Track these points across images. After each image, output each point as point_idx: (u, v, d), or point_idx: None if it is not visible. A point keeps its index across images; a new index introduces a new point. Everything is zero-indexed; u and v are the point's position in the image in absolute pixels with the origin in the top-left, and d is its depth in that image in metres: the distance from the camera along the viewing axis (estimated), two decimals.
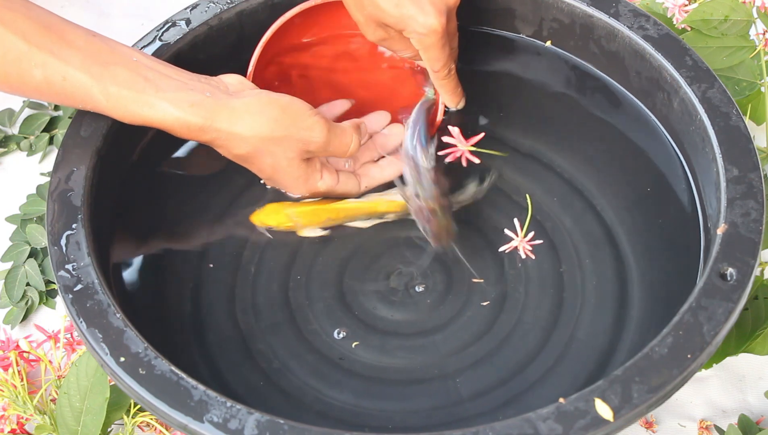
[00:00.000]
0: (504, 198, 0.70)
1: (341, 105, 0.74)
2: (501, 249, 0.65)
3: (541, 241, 0.65)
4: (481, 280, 0.66)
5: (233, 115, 0.62)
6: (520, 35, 0.77)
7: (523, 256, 0.65)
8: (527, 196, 0.68)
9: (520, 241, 0.64)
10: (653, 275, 0.66)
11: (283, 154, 0.64)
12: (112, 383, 0.61)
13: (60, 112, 0.90)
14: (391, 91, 0.75)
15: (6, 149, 0.87)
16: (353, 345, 0.64)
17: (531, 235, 0.64)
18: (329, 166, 0.68)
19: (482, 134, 0.64)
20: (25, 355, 0.69)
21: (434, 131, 0.71)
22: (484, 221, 0.69)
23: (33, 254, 0.79)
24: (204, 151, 0.73)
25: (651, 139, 0.71)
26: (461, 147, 0.63)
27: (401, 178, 0.68)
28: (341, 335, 0.65)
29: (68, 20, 0.62)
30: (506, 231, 0.64)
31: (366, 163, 0.71)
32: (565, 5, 0.73)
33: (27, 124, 0.88)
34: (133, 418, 0.66)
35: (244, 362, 0.63)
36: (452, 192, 0.69)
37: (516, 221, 0.64)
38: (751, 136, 0.63)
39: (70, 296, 0.57)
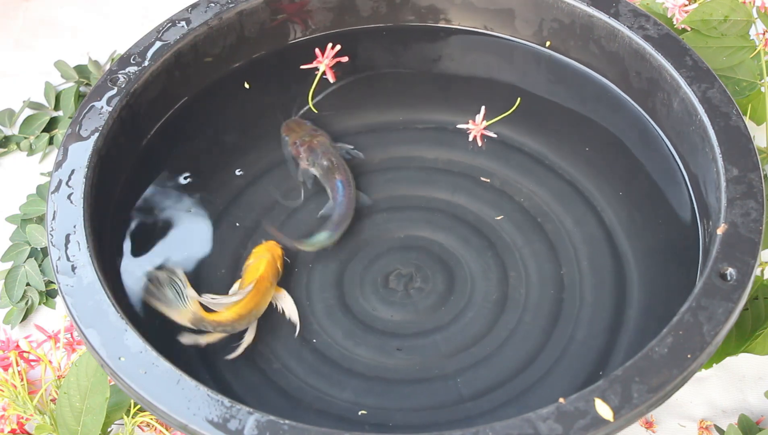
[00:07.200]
0: (505, 198, 0.71)
1: None
2: (458, 126, 0.71)
3: (495, 135, 0.71)
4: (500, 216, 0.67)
5: None
6: (520, 36, 0.77)
7: (479, 144, 0.71)
8: (519, 99, 0.73)
9: (476, 127, 0.70)
10: (653, 275, 0.66)
11: None
12: (112, 383, 0.61)
13: (60, 113, 0.90)
14: None
15: (6, 149, 0.87)
16: (329, 387, 0.63)
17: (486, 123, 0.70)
18: None
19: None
20: (25, 355, 0.69)
21: None
22: (482, 221, 0.70)
23: (33, 254, 0.78)
24: (204, 152, 0.73)
25: (650, 140, 0.71)
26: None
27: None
28: (342, 336, 0.65)
29: None
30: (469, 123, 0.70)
31: None
32: (565, 5, 0.73)
33: (27, 124, 0.88)
34: (133, 418, 0.66)
35: (244, 362, 0.63)
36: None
37: (482, 108, 0.69)
38: (751, 136, 0.63)
39: (70, 296, 0.57)
